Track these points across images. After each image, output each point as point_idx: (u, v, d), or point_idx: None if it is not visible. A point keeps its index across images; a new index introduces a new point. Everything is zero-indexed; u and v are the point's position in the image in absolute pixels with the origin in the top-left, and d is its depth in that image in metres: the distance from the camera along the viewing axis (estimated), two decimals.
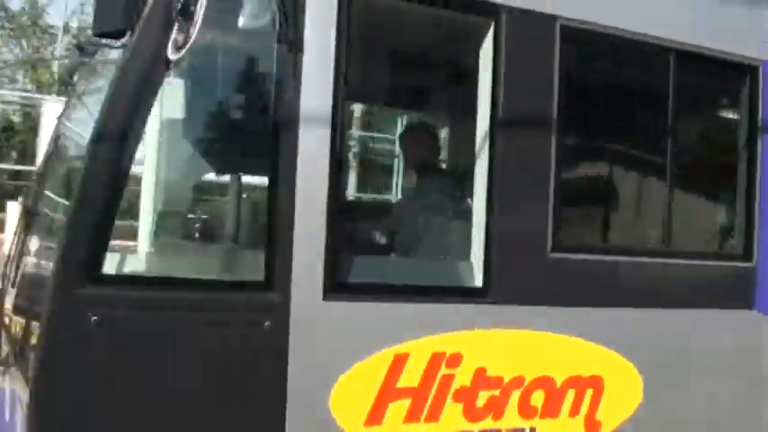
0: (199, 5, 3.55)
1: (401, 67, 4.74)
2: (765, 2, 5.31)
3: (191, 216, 4.41)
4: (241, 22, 3.91)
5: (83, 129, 4.45)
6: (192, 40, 3.53)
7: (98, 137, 3.60)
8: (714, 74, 5.19)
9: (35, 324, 3.69)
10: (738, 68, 5.19)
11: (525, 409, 4.36)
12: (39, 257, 4.42)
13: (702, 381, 4.93)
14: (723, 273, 5.10)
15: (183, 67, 3.88)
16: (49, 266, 3.84)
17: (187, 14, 3.58)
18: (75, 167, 4.54)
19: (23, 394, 3.65)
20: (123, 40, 3.72)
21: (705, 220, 5.39)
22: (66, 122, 4.85)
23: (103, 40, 3.90)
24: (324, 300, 3.87)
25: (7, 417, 4.26)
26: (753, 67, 5.21)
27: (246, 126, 4.13)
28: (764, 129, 5.21)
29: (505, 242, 4.32)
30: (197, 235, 4.26)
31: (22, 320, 4.10)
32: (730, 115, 5.38)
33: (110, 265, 3.62)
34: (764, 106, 5.22)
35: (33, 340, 3.64)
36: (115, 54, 4.02)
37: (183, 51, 3.55)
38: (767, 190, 5.17)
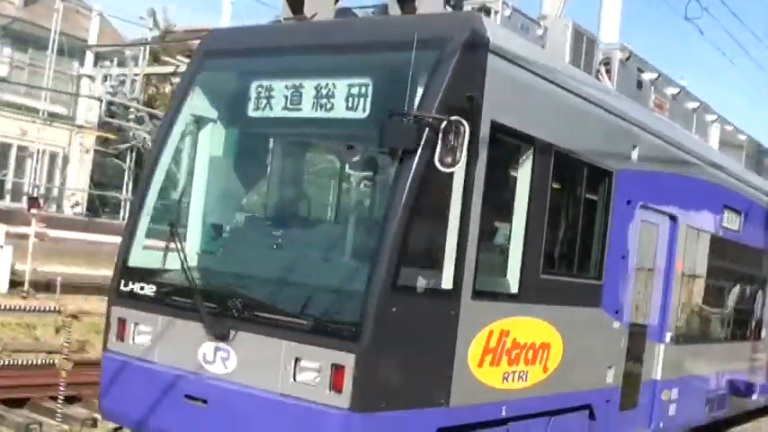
0: (460, 141, 6.60)
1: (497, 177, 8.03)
2: (620, 130, 9.50)
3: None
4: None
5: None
6: (457, 165, 6.61)
7: (404, 210, 6.57)
8: (592, 175, 9.25)
9: (346, 313, 6.61)
10: (604, 173, 9.32)
11: (525, 360, 8.09)
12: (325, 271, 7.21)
13: (580, 340, 9.05)
14: (589, 286, 9.25)
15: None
16: (348, 279, 6.80)
17: (451, 147, 6.62)
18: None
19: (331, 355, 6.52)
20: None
21: (583, 261, 9.46)
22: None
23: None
24: (471, 300, 7.22)
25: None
26: (610, 172, 9.38)
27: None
28: (614, 209, 9.41)
29: (526, 269, 7.97)
30: (432, 267, 7.21)
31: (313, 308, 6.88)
32: (600, 200, 9.49)
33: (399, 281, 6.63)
34: (615, 197, 9.42)
35: (344, 324, 6.56)
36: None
37: (450, 170, 6.61)
38: (613, 245, 9.41)
